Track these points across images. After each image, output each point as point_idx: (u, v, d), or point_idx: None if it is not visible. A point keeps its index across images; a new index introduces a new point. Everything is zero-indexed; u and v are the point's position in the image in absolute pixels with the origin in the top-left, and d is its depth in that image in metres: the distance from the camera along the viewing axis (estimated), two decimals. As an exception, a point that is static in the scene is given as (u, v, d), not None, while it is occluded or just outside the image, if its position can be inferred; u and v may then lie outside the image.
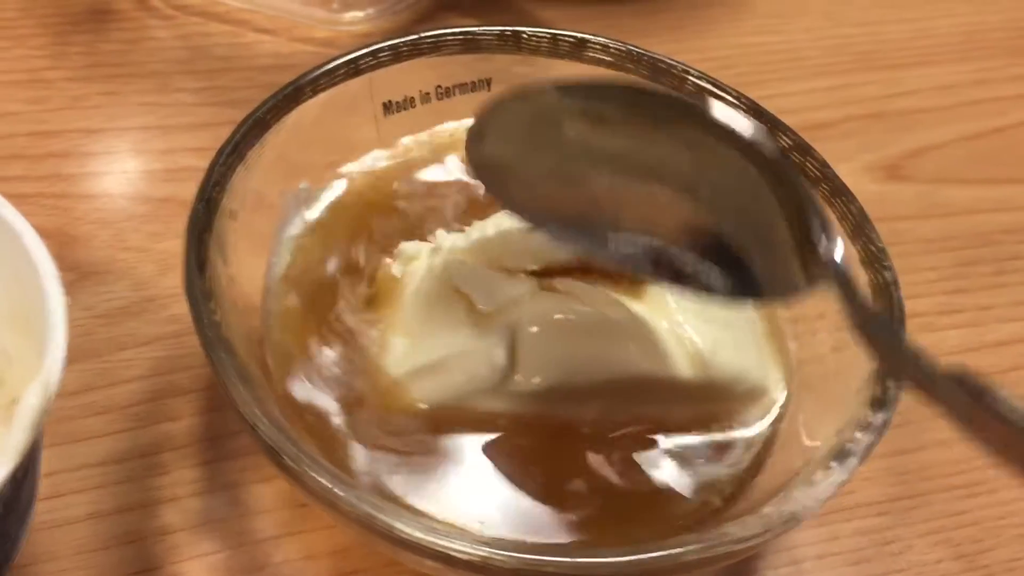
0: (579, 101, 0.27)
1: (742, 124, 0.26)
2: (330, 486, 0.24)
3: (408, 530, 0.23)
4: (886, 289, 0.30)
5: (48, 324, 0.26)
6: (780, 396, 0.32)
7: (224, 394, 0.26)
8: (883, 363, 0.23)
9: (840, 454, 0.27)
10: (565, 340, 0.30)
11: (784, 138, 0.33)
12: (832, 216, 0.25)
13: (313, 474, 0.24)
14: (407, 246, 0.32)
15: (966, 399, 0.20)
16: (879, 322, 0.23)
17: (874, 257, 0.31)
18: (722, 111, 0.26)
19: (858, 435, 0.27)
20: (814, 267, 0.25)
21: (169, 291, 0.35)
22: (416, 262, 0.32)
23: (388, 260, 0.33)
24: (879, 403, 0.27)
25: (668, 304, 0.32)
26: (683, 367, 0.31)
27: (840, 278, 0.24)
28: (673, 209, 0.27)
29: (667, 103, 0.27)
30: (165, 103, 0.41)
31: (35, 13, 0.43)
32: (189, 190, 0.39)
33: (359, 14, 0.45)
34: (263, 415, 0.25)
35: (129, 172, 0.39)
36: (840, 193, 0.32)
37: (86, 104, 0.40)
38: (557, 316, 0.30)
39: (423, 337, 0.30)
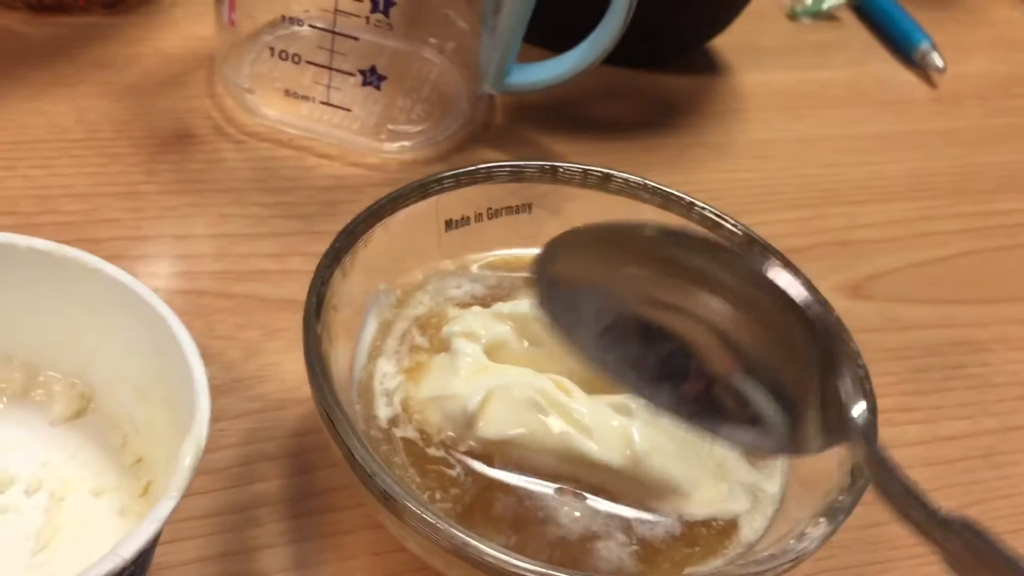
0: (642, 243, 0.31)
1: (791, 282, 0.30)
2: (433, 522, 0.29)
3: (498, 556, 0.29)
4: (860, 382, 0.36)
5: (194, 391, 0.32)
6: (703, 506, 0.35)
7: (342, 449, 0.31)
8: (894, 510, 0.26)
9: (830, 512, 0.33)
10: (523, 412, 0.34)
11: (774, 259, 0.40)
12: (867, 382, 0.29)
13: (421, 513, 0.30)
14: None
15: (964, 544, 0.23)
16: (895, 478, 0.27)
17: (848, 358, 0.38)
18: (776, 269, 0.30)
19: (841, 497, 0.33)
20: (836, 427, 0.28)
21: (253, 373, 0.41)
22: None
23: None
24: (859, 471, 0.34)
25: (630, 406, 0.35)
26: (614, 457, 0.34)
27: (866, 438, 0.27)
28: (712, 355, 0.30)
29: (724, 253, 0.31)
30: (242, 215, 0.47)
31: (127, 135, 0.49)
32: (266, 289, 0.45)
33: (405, 144, 0.51)
34: (378, 465, 0.31)
35: (215, 272, 0.44)
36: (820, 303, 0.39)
37: (175, 214, 0.46)
38: (529, 392, 0.35)
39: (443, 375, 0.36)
